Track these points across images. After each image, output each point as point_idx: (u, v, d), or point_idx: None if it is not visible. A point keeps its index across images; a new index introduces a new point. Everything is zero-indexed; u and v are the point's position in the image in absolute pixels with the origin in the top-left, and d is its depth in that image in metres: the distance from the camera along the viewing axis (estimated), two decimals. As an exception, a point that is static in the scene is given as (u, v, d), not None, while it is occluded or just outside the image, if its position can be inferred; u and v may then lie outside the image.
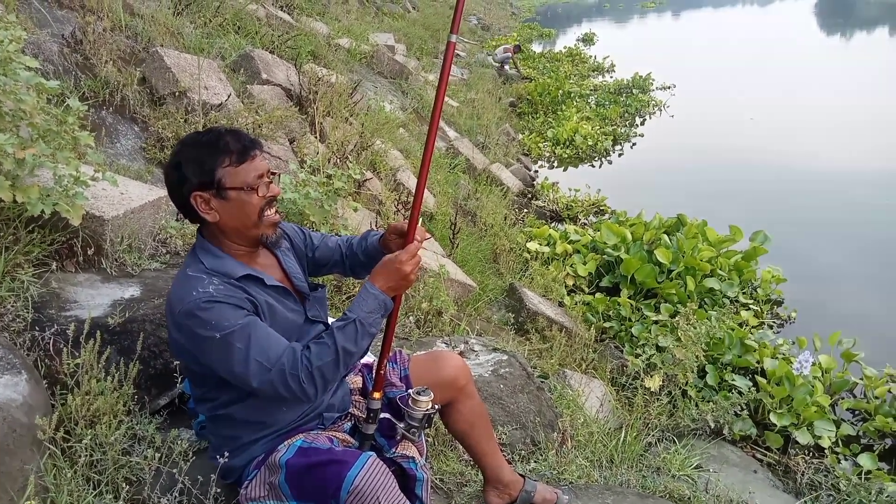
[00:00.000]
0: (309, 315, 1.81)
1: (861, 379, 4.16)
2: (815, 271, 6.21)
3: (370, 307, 1.65)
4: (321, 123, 4.87)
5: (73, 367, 1.91)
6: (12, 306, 2.07)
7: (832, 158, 10.00)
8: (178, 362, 2.05)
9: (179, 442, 1.87)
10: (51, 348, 1.99)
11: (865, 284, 6.00)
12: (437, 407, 1.90)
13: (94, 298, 2.31)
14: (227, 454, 1.69)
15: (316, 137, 4.69)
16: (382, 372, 1.82)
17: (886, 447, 3.69)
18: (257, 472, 1.69)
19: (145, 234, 2.82)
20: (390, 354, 2.00)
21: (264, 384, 1.55)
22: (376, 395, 1.82)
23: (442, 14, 20.49)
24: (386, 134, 5.92)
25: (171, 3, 5.40)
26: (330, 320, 1.92)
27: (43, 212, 2.15)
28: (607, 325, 4.84)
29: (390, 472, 1.60)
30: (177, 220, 3.18)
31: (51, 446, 1.73)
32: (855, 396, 4.16)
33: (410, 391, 1.87)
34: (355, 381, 2.03)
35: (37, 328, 2.03)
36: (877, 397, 3.97)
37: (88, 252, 2.52)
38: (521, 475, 2.22)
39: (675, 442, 3.18)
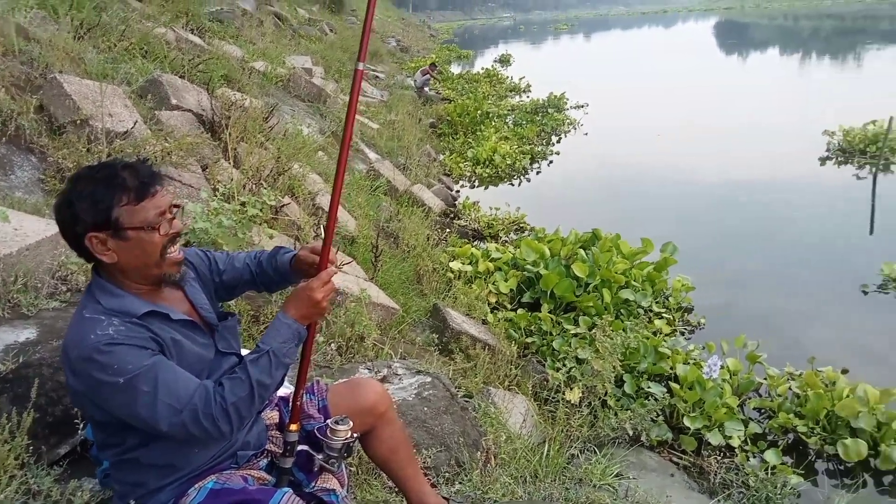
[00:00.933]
0: (219, 347, 1.75)
1: (765, 379, 4.41)
2: (723, 278, 6.57)
3: (283, 337, 1.62)
4: (235, 149, 4.78)
5: (-41, 419, 1.78)
6: None
7: (732, 170, 10.68)
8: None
9: (80, 493, 1.77)
10: (-67, 401, 1.85)
11: (766, 287, 6.40)
12: (356, 436, 1.88)
13: (-17, 343, 2.17)
14: (132, 503, 1.61)
15: (230, 164, 4.59)
16: (299, 403, 1.79)
17: (789, 442, 3.93)
18: None
19: (42, 272, 2.67)
20: (307, 385, 1.97)
21: (175, 427, 1.48)
22: (293, 427, 1.79)
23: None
24: (304, 158, 5.87)
25: (71, 27, 5.18)
26: (244, 351, 1.88)
27: (-77, 253, 2.01)
28: (529, 340, 4.94)
29: None
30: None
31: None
32: (760, 396, 4.40)
33: (329, 421, 1.84)
34: (271, 416, 1.98)
35: (-83, 380, 1.88)
36: (779, 395, 4.22)
37: (-23, 294, 2.36)
38: (445, 498, 2.22)
39: (596, 452, 3.27)
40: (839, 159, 10.67)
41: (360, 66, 1.73)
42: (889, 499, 3.58)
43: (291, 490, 1.62)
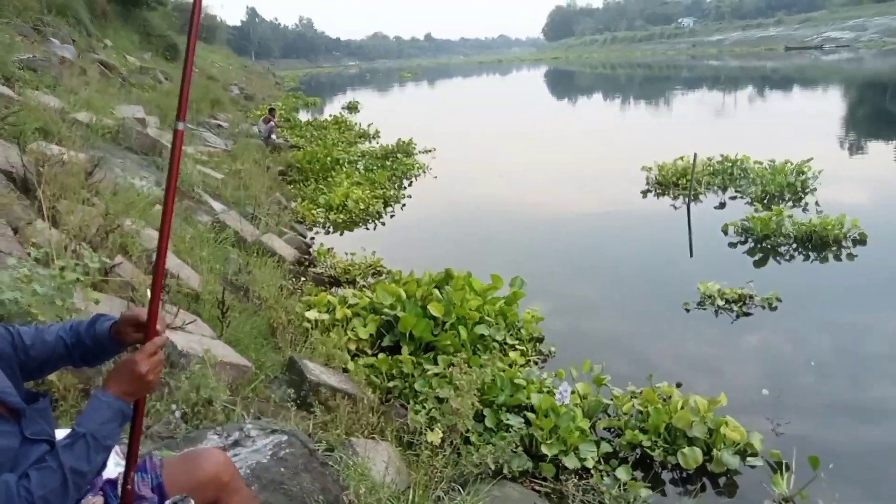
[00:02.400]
0: (27, 434, 1.54)
1: (611, 399, 4.71)
2: (567, 307, 6.98)
3: (103, 418, 1.48)
4: (53, 207, 4.35)
5: None
6: None
7: (567, 204, 11.56)
8: None
9: None
10: None
11: (606, 311, 6.91)
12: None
13: None
14: None
15: (47, 224, 4.16)
16: (130, 487, 1.62)
17: (637, 457, 4.20)
18: None
19: None
20: (139, 462, 1.79)
21: None
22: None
23: (198, 84, 19.84)
24: (137, 213, 5.47)
25: None
26: (60, 433, 1.67)
27: None
28: (392, 384, 4.90)
29: None
30: None
31: None
32: (609, 416, 4.68)
33: (167, 502, 1.69)
34: (94, 502, 1.77)
35: None
36: (625, 413, 4.52)
37: None
38: None
39: (460, 490, 3.29)
40: (657, 191, 11.89)
41: (180, 126, 1.61)
42: (726, 498, 3.92)
43: None
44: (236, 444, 3.08)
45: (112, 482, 1.82)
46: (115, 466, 1.90)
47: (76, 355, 1.75)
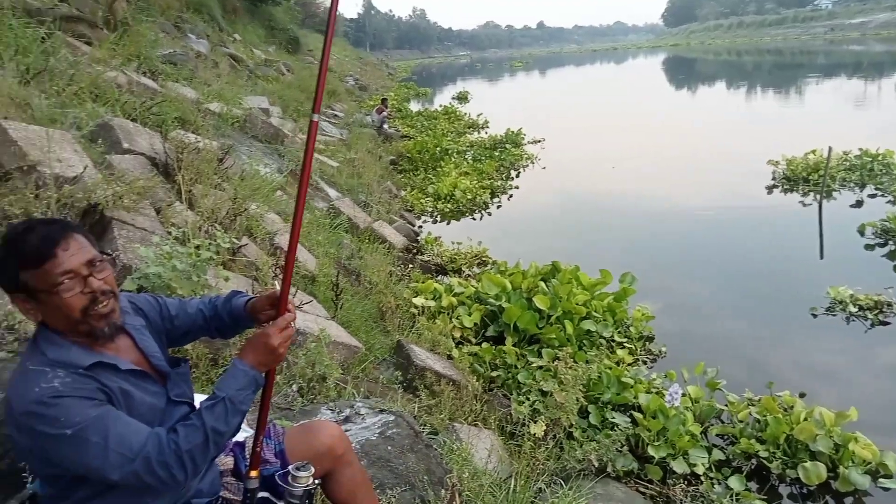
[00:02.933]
0: (171, 396, 1.71)
1: (726, 405, 4.48)
2: (680, 306, 6.69)
3: (240, 384, 1.59)
4: (190, 191, 4.72)
5: None
6: None
7: (685, 199, 11.02)
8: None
9: (27, 553, 1.68)
10: None
11: (724, 313, 6.55)
12: (317, 482, 1.85)
13: (-80, 401, 2.06)
14: None
15: (185, 206, 4.52)
16: (259, 450, 1.76)
17: (752, 467, 3.97)
18: None
19: (-13, 323, 2.57)
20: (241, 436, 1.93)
21: (128, 476, 1.44)
22: (253, 473, 1.75)
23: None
24: (261, 198, 5.82)
25: (17, 73, 5.09)
26: (198, 397, 1.83)
27: None
28: (495, 374, 4.93)
29: None
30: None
31: None
32: (722, 422, 4.46)
33: (290, 467, 1.80)
34: (225, 462, 1.93)
35: None
36: (740, 421, 4.29)
37: (-86, 348, 2.25)
38: None
39: (562, 485, 3.26)
40: (784, 187, 11.10)
41: (315, 118, 1.73)
42: (850, 520, 3.64)
43: None
44: (347, 420, 3.23)
45: (240, 444, 1.97)
46: (241, 431, 2.05)
47: (212, 327, 1.92)
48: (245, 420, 2.04)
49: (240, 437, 1.99)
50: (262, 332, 1.65)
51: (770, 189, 11.15)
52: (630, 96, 30.70)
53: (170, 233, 3.96)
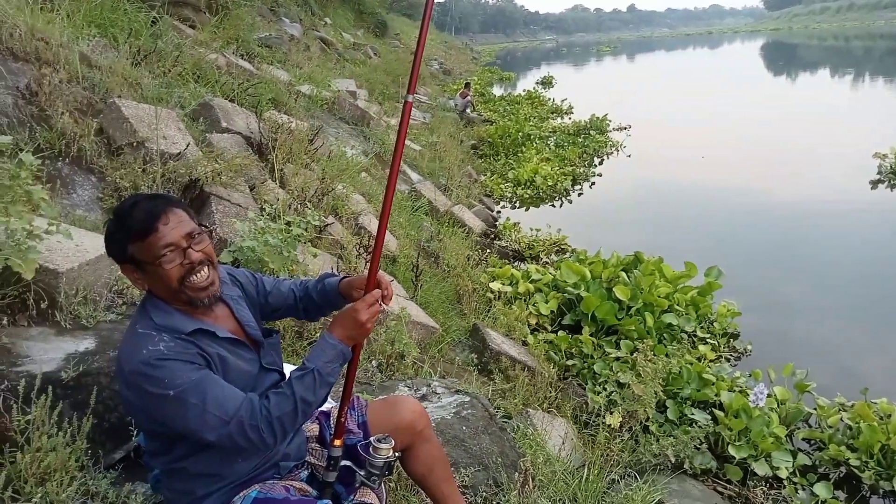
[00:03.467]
0: (263, 363, 1.82)
1: (814, 409, 4.27)
2: (770, 303, 6.40)
3: (328, 357, 1.67)
4: (281, 170, 4.92)
5: (24, 423, 1.87)
6: (-40, 364, 2.04)
7: (779, 192, 10.44)
8: (132, 416, 2.02)
9: (134, 497, 1.84)
10: (0, 406, 1.95)
11: (816, 314, 6.21)
12: (397, 454, 1.91)
13: (46, 353, 2.28)
14: None
15: (276, 184, 4.72)
16: (343, 420, 1.83)
17: (841, 475, 3.78)
18: None
19: (101, 286, 2.79)
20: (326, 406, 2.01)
21: (223, 437, 1.55)
22: (337, 442, 1.83)
23: (403, 60, 20.93)
24: (347, 179, 5.99)
25: (129, 54, 5.43)
26: (286, 367, 1.94)
27: (-6, 267, 2.14)
28: (570, 362, 4.90)
29: None
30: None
31: (-3, 508, 1.69)
32: (810, 426, 4.26)
33: (372, 439, 1.87)
34: (312, 428, 2.03)
35: (-15, 386, 1.99)
36: (830, 426, 4.08)
37: (42, 305, 2.48)
38: None
39: (637, 478, 3.22)
40: (892, 182, 10.33)
41: (410, 98, 1.78)
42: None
43: (331, 503, 1.66)
44: (423, 398, 3.31)
45: (326, 413, 2.07)
46: (327, 402, 2.16)
47: (301, 308, 2.04)
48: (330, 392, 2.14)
49: (325, 406, 2.09)
50: (351, 307, 1.72)
51: (874, 184, 10.41)
52: (724, 83, 29.26)
53: (263, 209, 4.16)
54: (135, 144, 4.08)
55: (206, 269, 1.67)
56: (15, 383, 1.99)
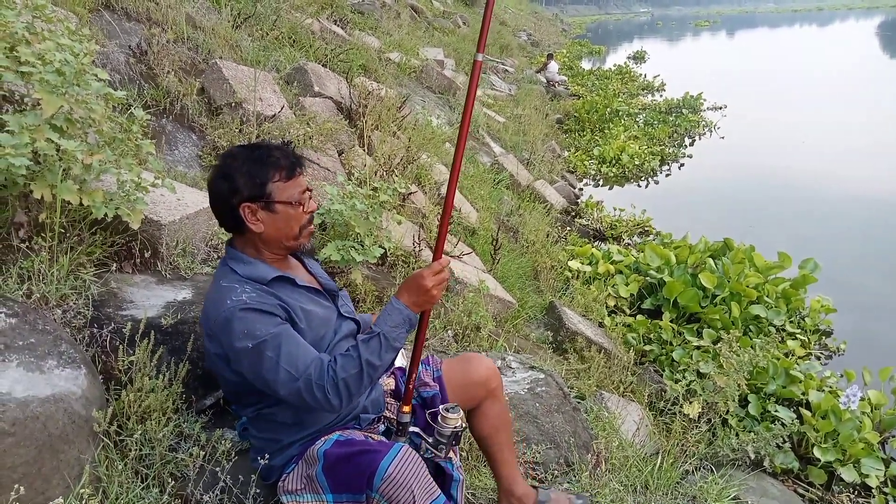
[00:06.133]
0: (342, 311, 1.89)
1: (913, 417, 4.00)
2: (868, 302, 6.00)
3: (394, 322, 1.69)
4: (369, 137, 4.98)
5: (128, 364, 2.00)
6: (74, 303, 2.19)
7: (883, 185, 9.68)
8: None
9: (223, 442, 1.94)
10: (108, 345, 2.10)
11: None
12: (465, 425, 1.93)
13: (148, 299, 2.42)
14: (267, 456, 1.75)
15: (364, 150, 4.79)
16: (411, 387, 1.85)
17: (938, 490, 3.54)
18: (295, 466, 1.75)
19: (199, 240, 2.93)
20: (423, 357, 2.04)
21: (292, 393, 1.60)
22: (405, 409, 1.85)
23: (493, 30, 20.62)
24: (432, 148, 6.00)
25: (230, 17, 5.61)
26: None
27: (106, 215, 2.27)
28: (647, 348, 4.78)
29: (423, 462, 1.63)
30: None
31: (105, 439, 1.82)
32: (906, 435, 3.99)
33: (440, 408, 1.89)
34: (388, 382, 2.07)
35: (95, 325, 2.13)
36: (930, 437, 3.81)
37: (145, 255, 2.63)
38: (534, 487, 2.22)
39: (712, 471, 3.12)
40: None
41: (479, 58, 1.74)
42: None
43: (408, 445, 1.69)
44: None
45: (401, 369, 2.11)
46: (402, 358, 2.20)
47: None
48: (403, 356, 2.18)
49: (401, 361, 2.14)
50: (417, 273, 1.72)
51: None
52: (831, 64, 27.23)
53: (350, 174, 4.23)
54: (233, 105, 4.23)
55: (312, 224, 1.81)
56: (121, 325, 2.13)
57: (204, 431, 2.03)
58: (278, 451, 1.78)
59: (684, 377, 4.10)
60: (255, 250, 1.76)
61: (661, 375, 4.41)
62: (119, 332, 2.12)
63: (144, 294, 2.46)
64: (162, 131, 3.83)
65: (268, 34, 5.91)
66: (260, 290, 1.66)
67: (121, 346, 2.02)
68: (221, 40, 4.97)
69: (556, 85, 16.64)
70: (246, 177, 1.68)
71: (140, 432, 1.86)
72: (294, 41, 6.28)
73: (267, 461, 1.74)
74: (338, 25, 8.28)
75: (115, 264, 2.49)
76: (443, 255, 1.78)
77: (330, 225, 3.44)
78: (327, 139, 4.51)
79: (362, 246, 3.26)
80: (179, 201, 2.88)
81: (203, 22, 5.11)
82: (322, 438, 1.76)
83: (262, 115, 4.22)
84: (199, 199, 3.01)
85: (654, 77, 19.33)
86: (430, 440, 1.88)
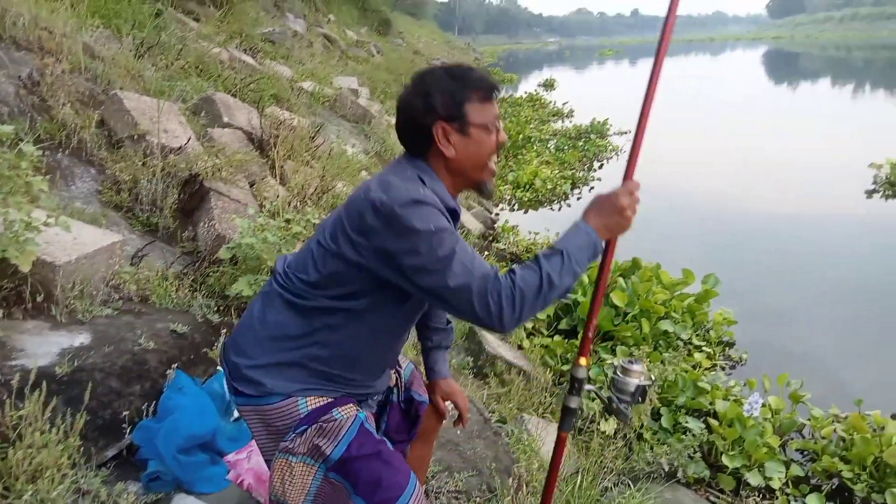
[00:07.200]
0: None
1: (808, 420, 4.27)
2: (765, 313, 6.41)
3: (580, 242, 1.51)
4: (282, 167, 4.90)
5: (16, 419, 1.86)
6: (-46, 356, 2.02)
7: (774, 201, 10.48)
8: (127, 412, 2.00)
9: (126, 496, 1.83)
10: (-7, 400, 1.94)
11: (811, 324, 6.22)
12: (652, 380, 1.78)
13: (41, 346, 2.26)
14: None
15: (276, 181, 4.71)
16: (591, 335, 1.69)
17: (833, 487, 3.78)
18: (307, 429, 1.57)
19: (98, 280, 2.78)
20: (403, 362, 1.94)
21: (460, 288, 1.41)
22: (583, 361, 1.66)
23: (406, 59, 20.93)
24: (347, 177, 5.97)
25: (132, 46, 5.42)
26: None
27: (-9, 259, 2.12)
28: (565, 367, 4.89)
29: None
30: (131, 264, 3.15)
31: (-12, 504, 1.67)
32: (803, 437, 4.26)
33: (622, 360, 1.77)
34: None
35: (-21, 379, 1.98)
36: (823, 437, 4.08)
37: (38, 298, 2.47)
38: None
39: (630, 486, 3.21)
40: (887, 192, 10.35)
41: None
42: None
43: (418, 482, 1.60)
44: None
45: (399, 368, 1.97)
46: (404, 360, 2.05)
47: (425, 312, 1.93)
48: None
49: (402, 360, 1.97)
50: (609, 192, 1.59)
51: (869, 194, 10.44)
52: (723, 90, 29.32)
53: (262, 206, 4.14)
54: (136, 137, 4.07)
55: (496, 157, 1.67)
56: (8, 377, 1.98)
57: (105, 486, 1.90)
58: (300, 392, 1.58)
59: (599, 396, 4.22)
60: (439, 174, 1.62)
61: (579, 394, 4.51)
62: (6, 385, 1.96)
63: (36, 341, 2.30)
64: (57, 166, 3.63)
65: (173, 64, 5.75)
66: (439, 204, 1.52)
67: (8, 400, 1.88)
68: (122, 70, 4.79)
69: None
70: (445, 95, 1.56)
71: (30, 493, 1.73)
72: (201, 71, 6.14)
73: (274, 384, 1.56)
74: (248, 55, 8.16)
75: (1, 311, 2.32)
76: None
77: (241, 259, 3.35)
78: (237, 171, 4.40)
79: (276, 279, 3.19)
80: (76, 240, 2.72)
81: (102, 51, 4.91)
82: (343, 407, 1.60)
83: (167, 147, 4.09)
84: (97, 237, 2.86)
85: (564, 104, 20.13)
86: (612, 396, 1.71)
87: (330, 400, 1.60)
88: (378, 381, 1.75)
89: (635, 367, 1.68)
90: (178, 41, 6.25)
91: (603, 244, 1.56)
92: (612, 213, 1.55)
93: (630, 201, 1.55)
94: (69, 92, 4.09)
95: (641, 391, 1.68)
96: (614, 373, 1.71)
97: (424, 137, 1.58)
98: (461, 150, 1.59)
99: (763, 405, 4.15)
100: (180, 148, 4.14)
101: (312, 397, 1.59)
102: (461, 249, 1.44)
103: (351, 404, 1.63)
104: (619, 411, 1.69)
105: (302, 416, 1.57)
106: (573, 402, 1.65)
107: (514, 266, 1.47)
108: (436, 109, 1.56)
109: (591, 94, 28.00)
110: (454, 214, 1.61)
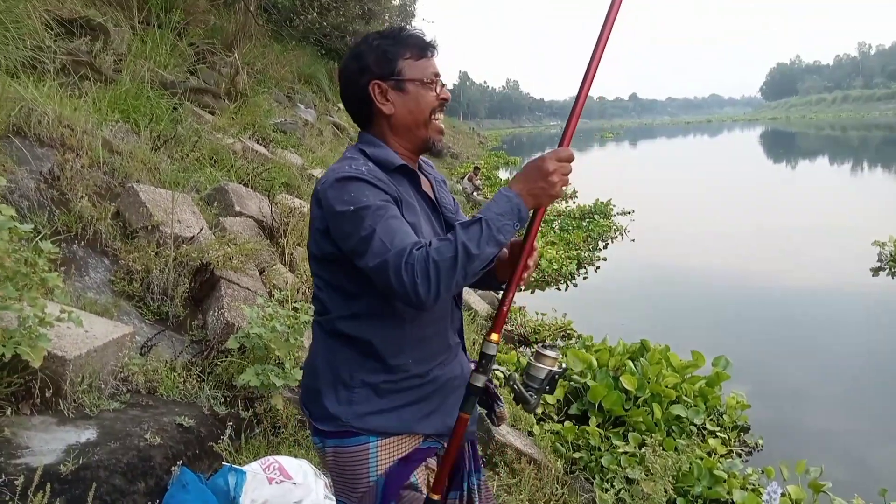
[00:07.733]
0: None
1: (831, 510, 4.12)
2: (778, 393, 6.29)
3: (501, 208, 1.46)
4: (291, 254, 4.99)
5: (18, 522, 1.83)
6: (-40, 455, 2.01)
7: (781, 279, 10.47)
8: None
9: None
10: (-4, 501, 1.92)
11: (827, 406, 6.08)
12: (564, 367, 1.73)
13: (47, 443, 2.25)
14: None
15: (286, 268, 4.78)
16: (505, 309, 1.58)
17: (862, 583, 3.61)
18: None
19: (107, 373, 2.79)
20: None
21: (379, 267, 1.42)
22: (494, 337, 1.56)
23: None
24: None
25: (150, 139, 5.64)
26: None
27: (3, 355, 2.15)
28: (576, 455, 4.77)
29: None
30: (140, 354, 3.16)
31: None
32: (827, 529, 4.10)
33: (537, 346, 1.71)
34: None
35: (-17, 479, 1.96)
36: (849, 531, 3.92)
37: (46, 394, 2.48)
38: None
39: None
40: (893, 270, 10.35)
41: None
42: None
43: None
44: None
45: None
46: None
47: None
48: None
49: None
50: (538, 157, 1.51)
51: (875, 271, 10.44)
52: (724, 169, 29.92)
53: (271, 293, 4.19)
54: (150, 228, 4.17)
55: (442, 115, 1.69)
56: (13, 477, 1.96)
57: (104, 593, 1.85)
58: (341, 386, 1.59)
59: (613, 486, 4.10)
60: (387, 139, 1.66)
61: (592, 483, 4.39)
62: (10, 485, 1.94)
63: (43, 438, 2.29)
64: (73, 257, 3.71)
65: (188, 155, 5.96)
66: (380, 172, 1.56)
67: (11, 502, 1.85)
68: (139, 163, 4.96)
69: (476, 193, 17.39)
70: (377, 53, 1.62)
71: None
72: (216, 161, 6.35)
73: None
74: (260, 144, 8.45)
75: (10, 408, 2.32)
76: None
77: (249, 349, 3.36)
78: (248, 259, 4.48)
79: (283, 369, 3.19)
80: (87, 333, 2.76)
81: (120, 146, 5.11)
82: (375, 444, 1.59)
83: (180, 237, 4.18)
84: (108, 330, 2.89)
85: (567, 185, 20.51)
86: (519, 385, 1.64)
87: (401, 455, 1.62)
88: (439, 368, 1.71)
89: (549, 353, 1.63)
90: (194, 133, 6.50)
91: (528, 211, 1.50)
92: (538, 178, 1.48)
93: (557, 167, 1.48)
94: (87, 185, 4.23)
95: (551, 379, 1.62)
96: (528, 358, 1.66)
97: (364, 101, 1.65)
98: (400, 107, 1.63)
99: (783, 495, 4.01)
100: (193, 237, 4.24)
101: (383, 443, 1.59)
102: (382, 226, 1.45)
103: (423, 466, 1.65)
104: (524, 398, 1.63)
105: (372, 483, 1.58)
106: (478, 381, 1.55)
107: (434, 239, 1.46)
108: (369, 67, 1.62)
109: (594, 174, 28.58)
110: (406, 172, 1.64)
